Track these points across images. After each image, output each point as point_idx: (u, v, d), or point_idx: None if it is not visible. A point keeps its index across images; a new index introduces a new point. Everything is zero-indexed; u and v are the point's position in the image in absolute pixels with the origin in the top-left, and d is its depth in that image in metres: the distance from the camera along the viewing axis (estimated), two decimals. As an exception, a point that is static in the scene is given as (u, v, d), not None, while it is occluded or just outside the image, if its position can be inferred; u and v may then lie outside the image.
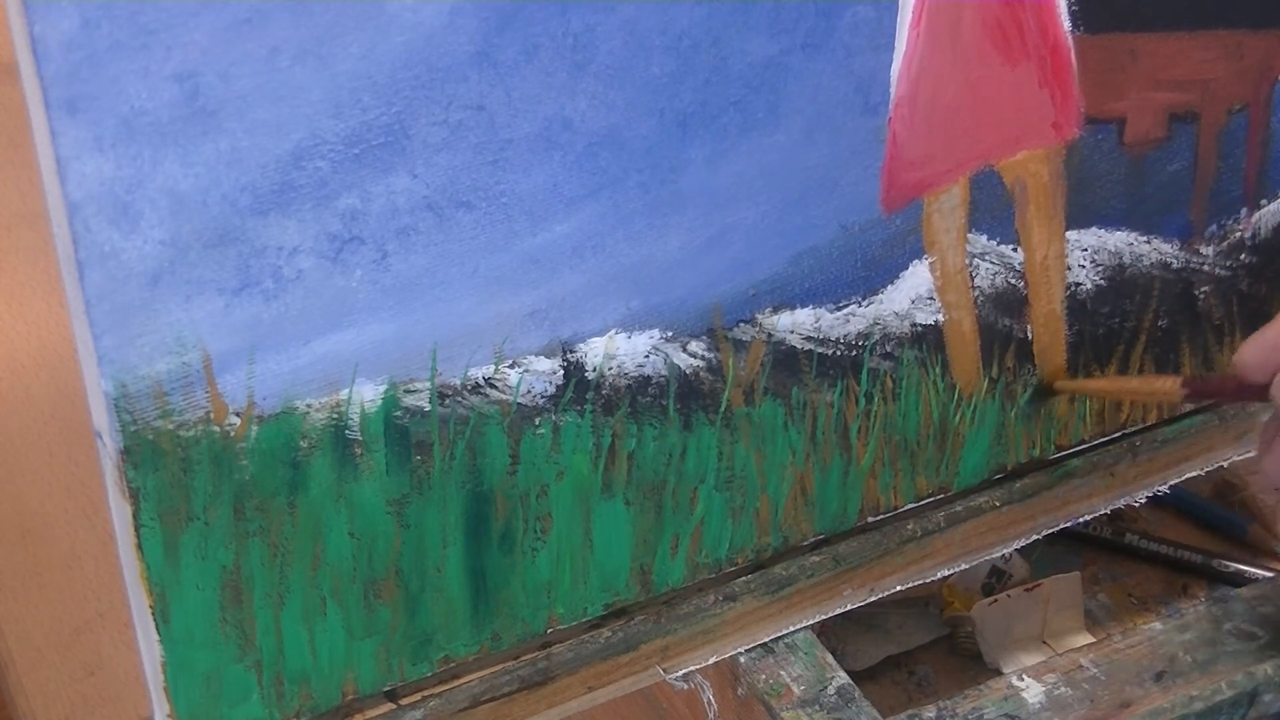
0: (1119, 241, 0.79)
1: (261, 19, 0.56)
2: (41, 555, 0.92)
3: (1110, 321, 0.80)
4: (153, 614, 0.63)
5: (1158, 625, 0.77)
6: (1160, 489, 0.85)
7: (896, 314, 0.74)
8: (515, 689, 0.71)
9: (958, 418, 0.78)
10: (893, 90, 0.70)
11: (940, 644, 0.89)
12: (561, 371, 0.68)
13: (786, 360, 0.73)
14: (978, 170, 0.74)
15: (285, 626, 0.66)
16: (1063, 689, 0.73)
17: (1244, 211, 0.82)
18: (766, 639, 0.76)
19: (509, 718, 0.72)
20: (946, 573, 0.81)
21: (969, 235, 0.75)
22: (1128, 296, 0.80)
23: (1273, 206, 0.82)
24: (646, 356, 0.69)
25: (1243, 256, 0.83)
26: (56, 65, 0.53)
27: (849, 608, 0.79)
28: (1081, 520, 0.84)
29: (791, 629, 0.77)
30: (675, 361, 0.70)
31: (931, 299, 0.75)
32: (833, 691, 0.74)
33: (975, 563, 0.82)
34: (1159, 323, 0.82)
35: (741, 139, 0.67)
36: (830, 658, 0.76)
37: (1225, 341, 0.84)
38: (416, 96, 0.60)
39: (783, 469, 0.75)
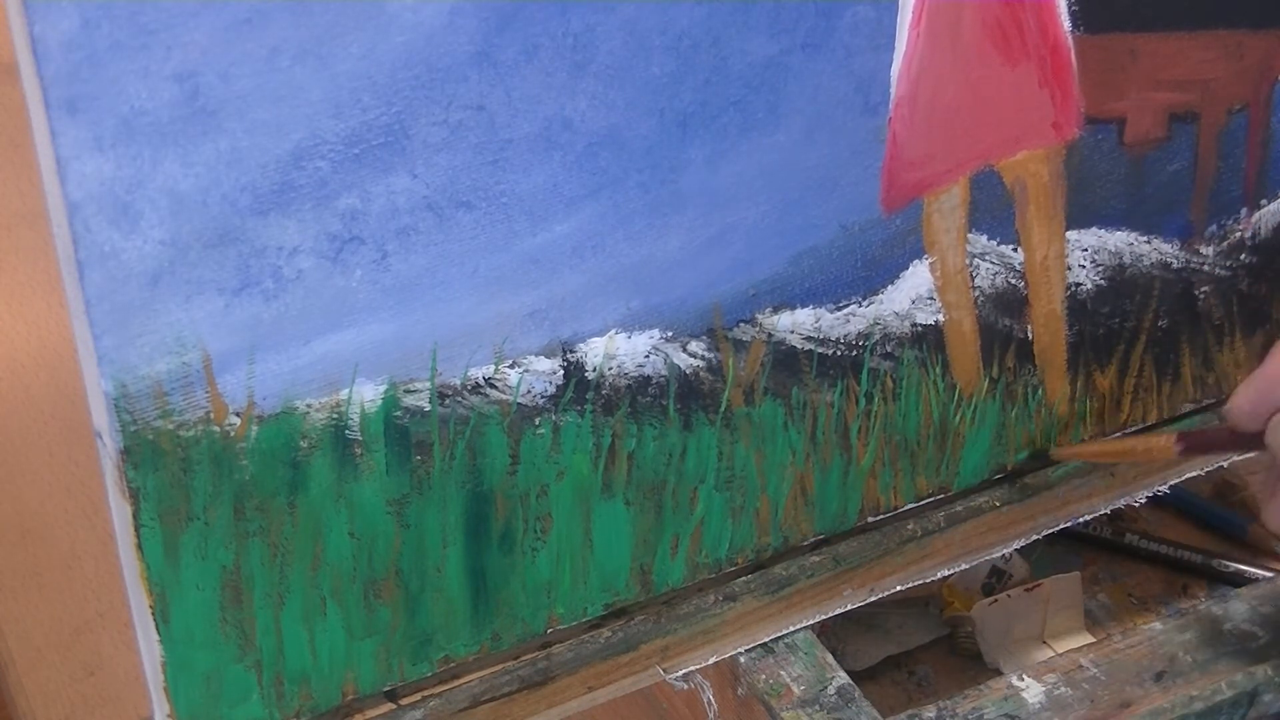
0: (1119, 241, 0.79)
1: (261, 19, 0.56)
2: (41, 555, 0.92)
3: (1110, 321, 0.80)
4: (153, 614, 0.63)
5: (1158, 625, 0.77)
6: (1160, 489, 0.85)
7: (897, 314, 0.74)
8: (515, 689, 0.71)
9: (958, 418, 0.78)
10: (893, 90, 0.70)
11: (940, 644, 0.89)
12: (561, 371, 0.68)
13: (786, 360, 0.73)
14: (978, 170, 0.74)
15: (285, 626, 0.66)
16: (1063, 689, 0.73)
17: (1244, 211, 0.82)
18: (766, 639, 0.76)
19: (509, 718, 0.72)
20: (946, 573, 0.81)
21: (969, 235, 0.75)
22: (1128, 296, 0.80)
23: (1273, 206, 0.82)
24: (646, 356, 0.69)
25: (1243, 256, 0.83)
26: (56, 65, 0.53)
27: (849, 608, 0.79)
28: (1081, 520, 0.84)
29: (791, 629, 0.77)
30: (675, 361, 0.70)
31: (932, 299, 0.75)
32: (833, 691, 0.74)
33: (975, 563, 0.82)
34: (1159, 323, 0.82)
35: (741, 139, 0.67)
36: (830, 658, 0.76)
37: (1225, 341, 0.84)
38: (416, 96, 0.60)
39: (783, 469, 0.74)
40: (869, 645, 0.88)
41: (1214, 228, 0.81)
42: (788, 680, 0.74)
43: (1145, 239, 0.80)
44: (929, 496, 0.79)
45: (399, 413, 0.65)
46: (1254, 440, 0.68)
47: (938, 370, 0.77)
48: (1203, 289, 0.82)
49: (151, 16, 0.54)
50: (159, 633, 0.63)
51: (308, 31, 0.57)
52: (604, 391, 0.69)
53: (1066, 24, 0.73)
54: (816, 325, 0.73)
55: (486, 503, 0.68)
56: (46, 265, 1.06)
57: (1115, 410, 0.83)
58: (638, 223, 0.67)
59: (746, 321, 0.71)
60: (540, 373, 0.67)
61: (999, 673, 0.86)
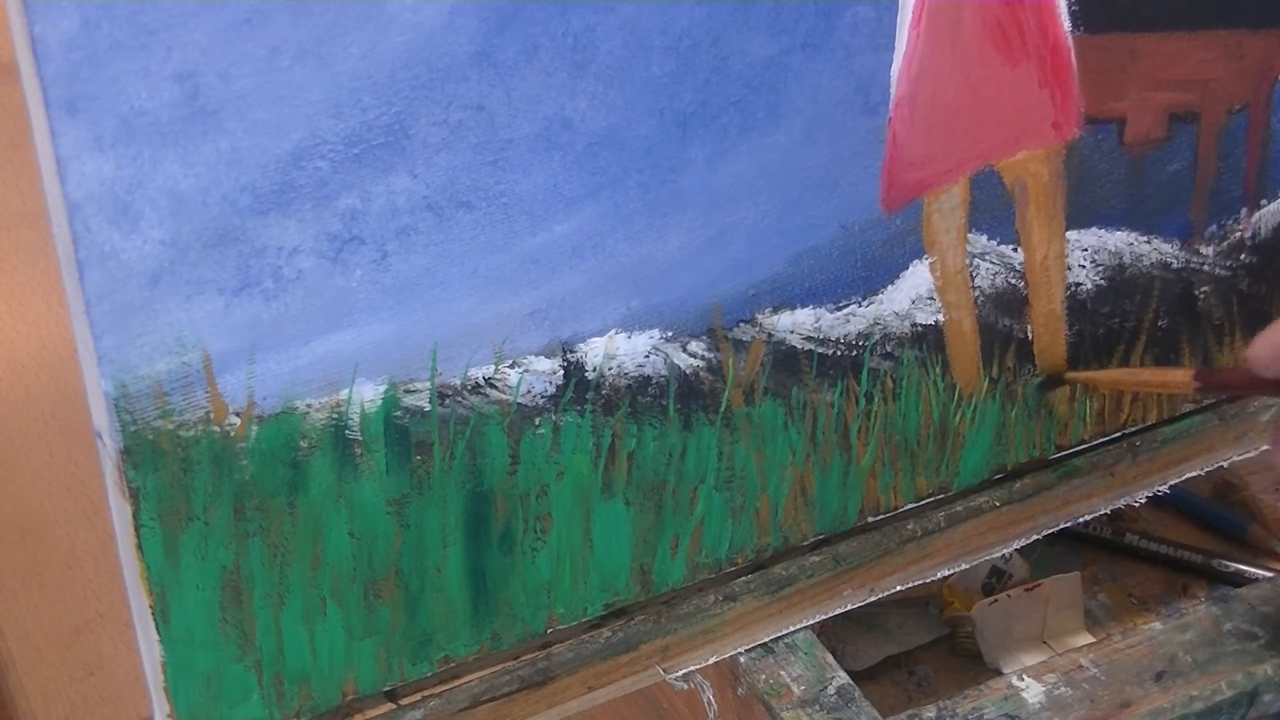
0: (1119, 241, 0.79)
1: (261, 19, 0.56)
2: (41, 555, 0.92)
3: (1110, 321, 0.80)
4: (153, 614, 0.63)
5: (1158, 625, 0.77)
6: (1160, 489, 0.85)
7: (896, 314, 0.74)
8: (515, 689, 0.71)
9: (958, 418, 0.78)
10: (893, 90, 0.70)
11: (940, 644, 0.89)
12: (561, 371, 0.68)
13: (786, 360, 0.73)
14: (978, 170, 0.74)
15: (285, 626, 0.66)
16: (1063, 689, 0.73)
17: (1244, 211, 0.82)
18: (766, 639, 0.76)
19: (509, 718, 0.72)
20: (946, 573, 0.81)
21: (969, 235, 0.75)
22: (1128, 296, 0.80)
23: (1273, 206, 0.82)
24: (646, 356, 0.69)
25: (1243, 256, 0.83)
26: (56, 65, 0.54)
27: (849, 608, 0.79)
28: (1081, 520, 0.84)
29: (791, 629, 0.77)
30: (675, 361, 0.70)
31: (931, 299, 0.75)
32: (833, 691, 0.74)
33: (975, 563, 0.82)
34: (1159, 323, 0.82)
35: (741, 139, 0.67)
36: (830, 658, 0.76)
37: (1225, 341, 0.84)
38: (416, 96, 0.60)
39: (783, 469, 0.75)
40: (869, 645, 0.88)
41: (1214, 228, 0.81)
42: (788, 680, 0.74)
43: (1145, 239, 0.80)
44: (929, 496, 0.79)
45: (399, 413, 0.65)
46: (1271, 386, 0.68)
47: (938, 370, 0.77)
48: (1203, 289, 0.82)
49: (151, 16, 0.54)
50: (159, 633, 0.63)
51: (308, 31, 0.57)
52: (604, 391, 0.69)
53: (1066, 24, 0.73)
54: (816, 325, 0.73)
55: (486, 503, 0.68)
56: (46, 265, 1.06)
57: (1115, 410, 0.83)
58: (638, 223, 0.67)
59: (746, 321, 0.71)
60: (540, 373, 0.67)
61: (999, 673, 0.86)
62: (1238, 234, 0.82)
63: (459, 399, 0.66)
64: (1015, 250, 0.76)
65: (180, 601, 0.63)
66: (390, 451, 0.65)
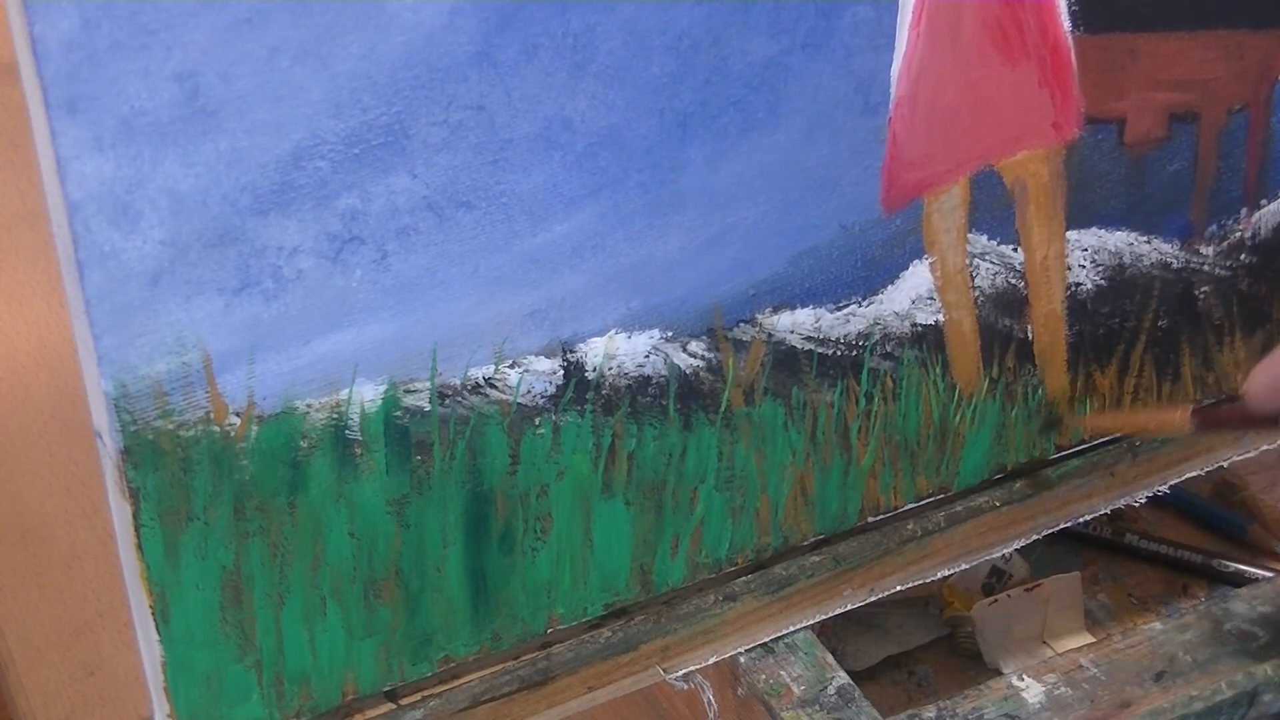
0: (1119, 241, 0.79)
1: (261, 19, 0.56)
2: (41, 555, 0.91)
3: (1110, 321, 0.80)
4: (153, 614, 0.63)
5: (1158, 625, 0.77)
6: (1160, 489, 0.85)
7: (896, 314, 0.74)
8: (515, 689, 0.71)
9: (958, 418, 0.78)
10: (893, 90, 0.70)
11: (940, 644, 0.89)
12: (561, 371, 0.68)
13: (786, 360, 0.73)
14: (978, 170, 0.74)
15: (285, 626, 0.66)
16: (1063, 689, 0.73)
17: (1244, 211, 0.82)
18: (766, 639, 0.76)
19: (509, 718, 0.72)
20: (946, 573, 0.81)
21: (969, 235, 0.75)
22: (1128, 296, 0.80)
23: (1273, 206, 0.82)
24: (646, 356, 0.69)
25: (1243, 256, 0.83)
26: (56, 65, 0.53)
27: (849, 608, 0.79)
28: (1081, 520, 0.84)
29: (791, 629, 0.77)
30: (675, 361, 0.70)
31: (931, 299, 0.75)
32: (833, 691, 0.74)
33: (975, 563, 0.82)
34: (1159, 323, 0.82)
35: (741, 139, 0.67)
36: (830, 658, 0.76)
37: (1225, 341, 0.84)
38: (416, 96, 0.60)
39: (783, 469, 0.74)
40: (869, 645, 0.88)
41: (1214, 228, 0.81)
42: (788, 680, 0.74)
43: (1145, 239, 0.80)
44: (929, 496, 0.79)
45: (399, 413, 0.65)
46: (1267, 421, 0.68)
47: (938, 370, 0.77)
48: (1203, 289, 0.82)
49: (151, 16, 0.54)
50: (159, 633, 0.63)
51: (308, 31, 0.57)
52: (604, 391, 0.69)
53: (1066, 24, 0.73)
54: (816, 325, 0.73)
55: (486, 503, 0.68)
56: (46, 265, 1.06)
57: (1115, 410, 0.83)
58: (638, 223, 0.67)
59: (746, 321, 0.71)
60: (540, 373, 0.67)
61: (999, 673, 0.85)
62: (1238, 234, 0.82)
63: (459, 399, 0.66)
64: (1015, 250, 0.76)
65: (180, 601, 0.63)
66: (390, 451, 0.65)
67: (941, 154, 0.72)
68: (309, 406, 0.63)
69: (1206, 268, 0.82)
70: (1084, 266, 0.78)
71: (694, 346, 0.70)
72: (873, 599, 0.79)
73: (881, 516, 0.79)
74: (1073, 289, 0.79)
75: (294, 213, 0.60)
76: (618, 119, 0.64)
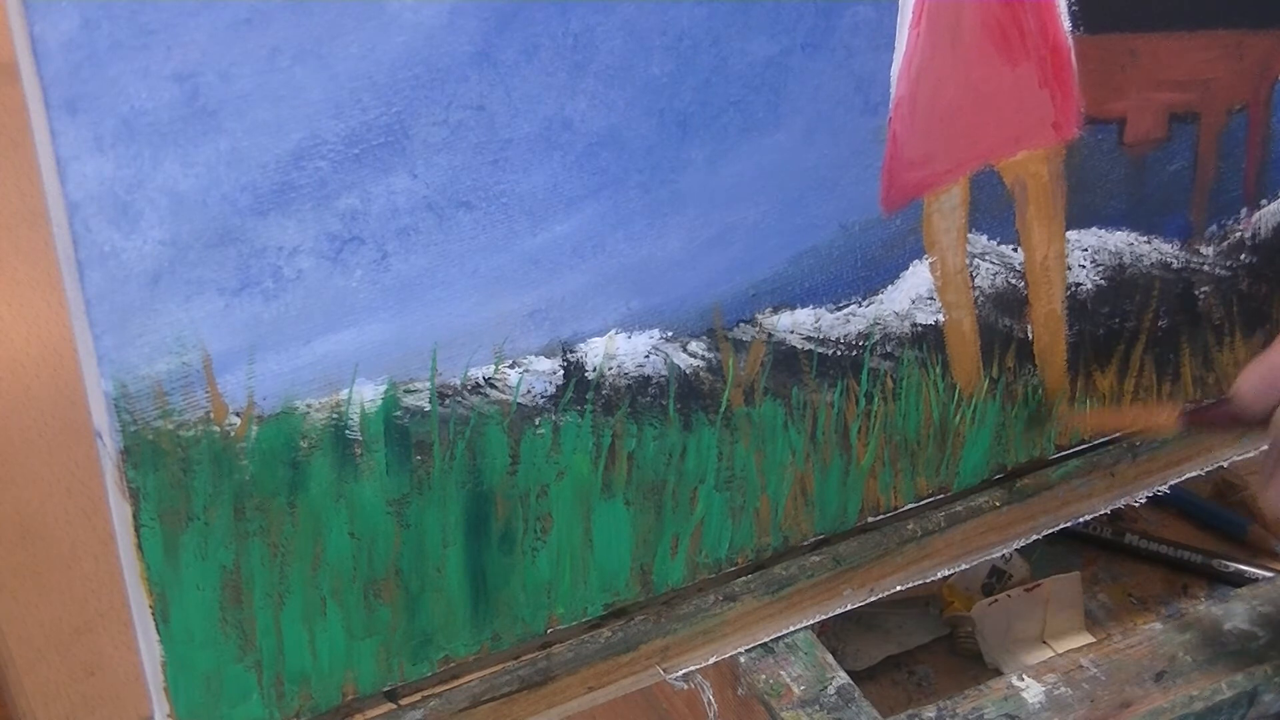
0: (1119, 241, 0.79)
1: (261, 19, 0.56)
2: (41, 555, 0.92)
3: (1110, 321, 0.80)
4: (153, 614, 0.63)
5: (1158, 625, 0.77)
6: (1160, 489, 0.85)
7: (896, 314, 0.74)
8: (515, 689, 0.71)
9: (958, 418, 0.78)
10: (893, 90, 0.70)
11: (940, 644, 0.89)
12: (561, 371, 0.68)
13: (786, 360, 0.73)
14: (978, 170, 0.74)
15: (285, 626, 0.66)
16: (1063, 689, 0.73)
17: (1244, 211, 0.82)
18: (766, 639, 0.76)
19: (509, 718, 0.72)
20: (946, 573, 0.81)
21: (969, 235, 0.75)
22: (1128, 296, 0.80)
23: (1273, 206, 0.82)
24: (646, 356, 0.69)
25: (1243, 256, 0.83)
26: (56, 65, 0.53)
27: (849, 608, 0.79)
28: (1081, 520, 0.84)
29: (791, 629, 0.77)
30: (675, 361, 0.70)
31: (931, 299, 0.75)
32: (833, 691, 0.74)
33: (975, 563, 0.82)
34: (1159, 323, 0.82)
35: (741, 139, 0.67)
36: (830, 658, 0.76)
37: (1225, 341, 0.84)
38: (416, 96, 0.60)
39: (783, 469, 0.74)
40: (869, 645, 0.88)
41: (1214, 228, 0.81)
42: (788, 680, 0.74)
43: (1145, 239, 0.80)
44: (929, 496, 0.79)
45: (399, 413, 0.65)
46: (1256, 422, 0.68)
47: (938, 370, 0.77)
48: (1203, 289, 0.82)
49: (151, 16, 0.54)
50: (159, 633, 0.63)
51: (308, 31, 0.57)
52: (604, 391, 0.69)
53: (1066, 24, 0.73)
54: (816, 325, 0.73)
55: (486, 503, 0.68)
56: (46, 265, 1.06)
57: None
58: (638, 223, 0.67)
59: (746, 321, 0.71)
60: (540, 373, 0.67)
61: (999, 673, 0.86)
62: (1238, 234, 0.82)
63: (459, 399, 0.66)
64: (1015, 250, 0.76)
65: (180, 601, 0.63)
66: (390, 451, 0.65)
67: (941, 154, 0.72)
68: (309, 406, 0.63)
69: (1206, 268, 0.82)
70: (1084, 266, 0.79)
71: (694, 346, 0.70)
72: (873, 599, 0.79)
73: (881, 516, 0.79)
74: (1073, 289, 0.79)
75: (294, 213, 0.60)
76: (618, 119, 0.64)
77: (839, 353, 0.74)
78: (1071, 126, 0.75)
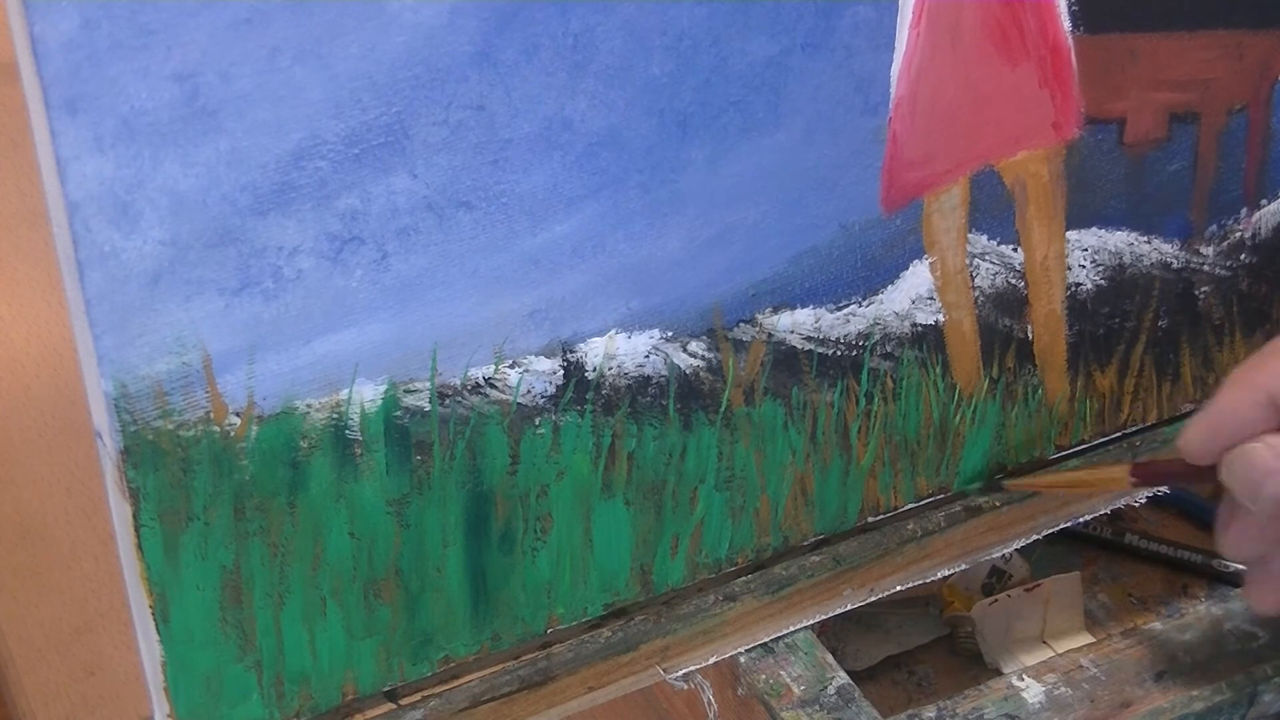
0: (1119, 241, 0.79)
1: (261, 19, 0.56)
2: (41, 555, 0.92)
3: (1110, 321, 0.80)
4: (153, 614, 0.63)
5: (1158, 625, 0.77)
6: (1160, 489, 0.85)
7: (896, 314, 0.74)
8: (515, 689, 0.71)
9: (958, 418, 0.78)
10: (893, 90, 0.70)
11: (940, 644, 0.89)
12: (561, 371, 0.68)
13: (786, 360, 0.73)
14: (978, 170, 0.74)
15: (285, 626, 0.66)
16: (1063, 689, 0.73)
17: (1244, 211, 0.82)
18: (766, 639, 0.76)
19: (509, 718, 0.72)
20: (946, 573, 0.81)
21: (969, 235, 0.75)
22: (1128, 296, 0.80)
23: (1273, 206, 0.82)
24: (646, 356, 0.69)
25: (1243, 256, 0.83)
26: (56, 65, 0.53)
27: (849, 608, 0.79)
28: (1081, 520, 0.84)
29: (791, 629, 0.77)
30: (675, 361, 0.70)
31: (931, 299, 0.75)
32: (833, 691, 0.74)
33: (975, 563, 0.82)
34: (1159, 323, 0.82)
35: (741, 139, 0.67)
36: (830, 658, 0.76)
37: (1225, 341, 0.84)
38: (416, 96, 0.60)
39: (783, 469, 0.75)
40: (869, 645, 0.88)
41: (1214, 228, 0.81)
42: (788, 680, 0.74)
43: (1145, 239, 0.80)
44: (929, 496, 0.79)
45: (399, 413, 0.65)
46: (1207, 474, 0.68)
47: (938, 370, 0.77)
48: (1203, 289, 0.82)
49: (151, 16, 0.54)
50: (159, 633, 0.63)
51: (308, 31, 0.57)
52: (604, 391, 0.69)
53: (1066, 24, 0.73)
54: (816, 325, 0.73)
55: (486, 503, 0.68)
56: (46, 265, 1.06)
57: (1115, 410, 0.83)
58: (638, 223, 0.67)
59: (746, 321, 0.71)
60: (540, 373, 0.67)
61: (999, 673, 0.85)
62: (1238, 234, 0.82)
63: (459, 399, 0.66)
64: (1015, 250, 0.76)
65: (180, 601, 0.63)
66: (390, 451, 0.65)
67: (941, 154, 0.72)
68: (309, 406, 0.63)
69: (1206, 268, 0.82)
70: (1084, 266, 0.79)
71: (694, 346, 0.70)
72: (873, 599, 0.79)
73: (881, 516, 0.79)
74: (1073, 289, 0.79)
75: (294, 213, 0.60)
76: (618, 119, 0.64)
77: (839, 353, 0.74)
78: (1071, 126, 0.75)
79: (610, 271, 0.67)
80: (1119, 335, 0.81)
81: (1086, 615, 0.89)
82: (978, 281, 0.76)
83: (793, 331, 0.72)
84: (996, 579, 0.90)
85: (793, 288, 0.71)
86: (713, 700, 0.76)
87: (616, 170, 0.65)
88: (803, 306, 0.72)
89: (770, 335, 0.72)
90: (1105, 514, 0.85)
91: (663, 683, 0.75)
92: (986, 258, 0.76)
